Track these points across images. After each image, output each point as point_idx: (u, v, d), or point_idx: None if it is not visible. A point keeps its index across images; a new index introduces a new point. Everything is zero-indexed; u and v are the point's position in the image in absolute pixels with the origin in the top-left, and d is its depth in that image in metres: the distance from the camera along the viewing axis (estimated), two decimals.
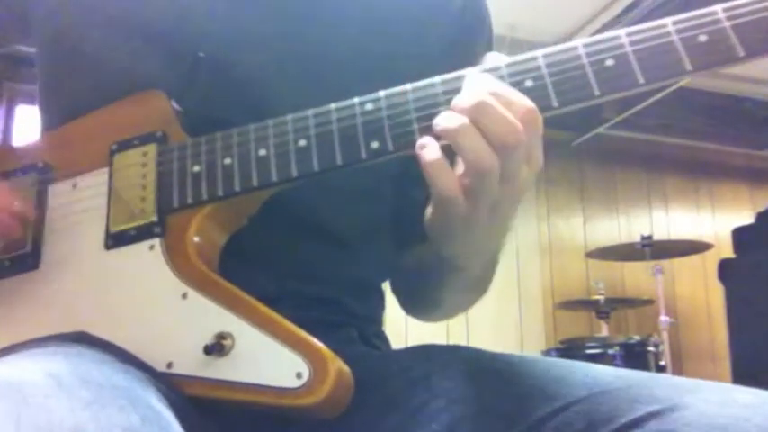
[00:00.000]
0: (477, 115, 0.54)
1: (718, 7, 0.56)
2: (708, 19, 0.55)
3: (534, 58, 0.58)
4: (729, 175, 4.79)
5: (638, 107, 3.93)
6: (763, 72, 3.93)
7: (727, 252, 3.50)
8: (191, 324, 0.57)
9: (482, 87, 0.56)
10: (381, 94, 0.60)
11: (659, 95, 3.74)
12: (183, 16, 0.71)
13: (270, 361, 0.53)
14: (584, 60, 0.57)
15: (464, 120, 0.55)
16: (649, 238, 3.50)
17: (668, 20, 0.56)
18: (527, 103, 0.55)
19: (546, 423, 0.54)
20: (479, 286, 0.73)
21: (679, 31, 0.56)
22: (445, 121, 0.55)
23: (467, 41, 0.63)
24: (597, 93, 0.56)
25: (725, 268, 3.36)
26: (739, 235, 3.46)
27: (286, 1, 0.73)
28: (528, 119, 0.55)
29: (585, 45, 0.57)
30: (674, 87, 3.68)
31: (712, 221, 4.65)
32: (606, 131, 4.27)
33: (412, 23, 0.75)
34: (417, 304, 0.80)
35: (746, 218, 3.99)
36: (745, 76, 4.03)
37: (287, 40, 0.71)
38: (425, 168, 0.55)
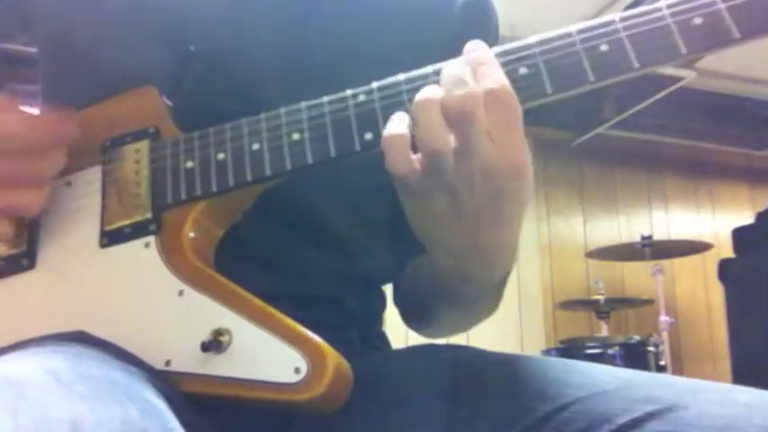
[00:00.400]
0: (449, 85, 0.53)
1: None
2: (703, 1, 0.55)
3: (528, 45, 0.58)
4: (729, 175, 4.80)
5: (638, 107, 3.93)
6: (763, 72, 3.93)
7: (727, 252, 3.50)
8: (188, 321, 0.56)
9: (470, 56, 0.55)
10: (374, 85, 0.59)
11: (659, 95, 3.75)
12: (179, 11, 0.70)
13: (268, 356, 0.53)
14: (579, 46, 0.56)
15: (433, 94, 0.53)
16: (649, 238, 3.50)
17: (663, 3, 0.56)
18: (499, 78, 0.53)
19: (545, 423, 0.53)
20: (477, 305, 0.71)
21: (674, 15, 0.55)
22: (419, 93, 0.54)
23: (469, 39, 0.62)
24: (592, 78, 0.56)
25: (725, 268, 3.36)
26: (739, 235, 3.46)
27: None
28: (496, 91, 0.52)
29: (580, 31, 0.57)
30: (674, 87, 3.69)
31: (712, 221, 4.66)
32: (606, 131, 4.27)
33: (411, 21, 0.75)
34: (414, 318, 0.79)
35: (746, 218, 4.00)
36: (745, 76, 4.03)
37: (282, 35, 0.70)
38: (382, 141, 0.54)
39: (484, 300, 0.69)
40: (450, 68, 0.54)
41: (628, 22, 0.56)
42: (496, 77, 0.53)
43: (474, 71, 0.54)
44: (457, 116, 0.51)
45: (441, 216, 0.56)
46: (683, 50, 0.54)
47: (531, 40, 0.58)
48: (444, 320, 0.76)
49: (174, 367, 0.55)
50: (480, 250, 0.59)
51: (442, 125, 0.52)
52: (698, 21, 0.55)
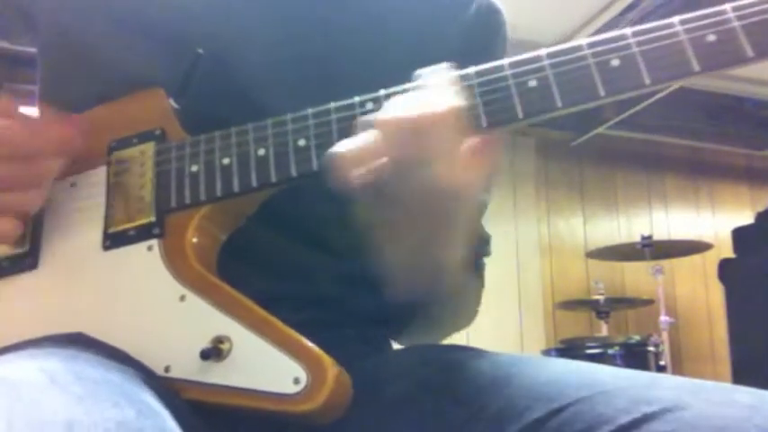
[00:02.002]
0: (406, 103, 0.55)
1: (727, 6, 0.54)
2: (717, 18, 0.54)
3: (539, 58, 0.57)
4: (729, 175, 4.80)
5: (639, 107, 3.93)
6: (763, 72, 3.93)
7: (727, 252, 3.50)
8: (189, 327, 0.56)
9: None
10: (382, 92, 0.59)
11: (659, 95, 3.75)
12: (185, 13, 0.70)
13: (267, 366, 0.53)
14: (590, 60, 0.56)
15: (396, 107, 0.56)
16: (649, 238, 3.50)
17: (676, 19, 0.55)
18: (452, 103, 0.55)
19: (545, 423, 0.53)
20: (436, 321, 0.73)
21: (687, 31, 0.54)
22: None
23: (477, 53, 0.62)
24: (602, 93, 0.55)
25: (725, 268, 3.36)
26: (739, 235, 3.47)
27: (289, 3, 0.72)
28: (447, 115, 0.54)
29: (591, 44, 0.56)
30: (674, 87, 3.68)
31: (712, 221, 4.66)
32: (606, 131, 4.27)
33: (417, 36, 0.75)
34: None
35: (746, 218, 4.00)
36: (745, 76, 4.03)
37: (288, 42, 0.71)
38: (331, 159, 0.56)
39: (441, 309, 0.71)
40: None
41: (640, 38, 0.55)
42: (451, 102, 0.55)
43: (430, 96, 0.55)
44: (419, 128, 0.53)
45: (391, 227, 0.58)
46: (696, 68, 0.54)
47: (542, 52, 0.57)
48: (411, 330, 0.78)
49: (174, 374, 0.55)
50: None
51: (402, 136, 0.54)
52: (711, 38, 0.54)
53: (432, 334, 0.79)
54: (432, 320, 0.73)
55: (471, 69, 0.59)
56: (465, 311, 0.78)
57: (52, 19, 0.76)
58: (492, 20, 0.80)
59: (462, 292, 0.71)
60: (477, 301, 0.80)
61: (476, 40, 0.77)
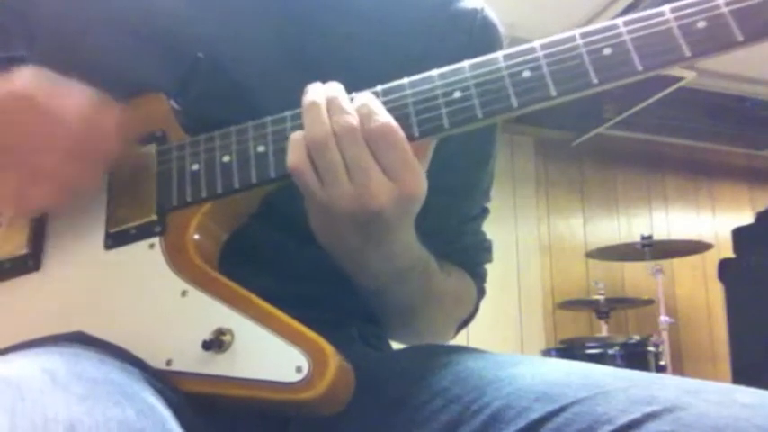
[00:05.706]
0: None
1: None
2: (706, 5, 0.55)
3: (532, 49, 0.58)
4: (729, 175, 4.80)
5: (639, 107, 3.93)
6: (763, 72, 3.93)
7: (727, 252, 3.51)
8: (190, 320, 0.57)
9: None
10: (378, 89, 0.60)
11: (659, 95, 3.75)
12: (183, 18, 0.71)
13: (269, 355, 0.53)
14: (582, 49, 0.57)
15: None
16: (649, 238, 3.51)
17: (666, 7, 0.56)
18: (383, 120, 0.57)
19: (545, 424, 0.53)
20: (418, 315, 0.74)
21: (677, 18, 0.56)
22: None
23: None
24: (595, 81, 0.56)
25: (725, 268, 3.37)
26: (739, 235, 3.47)
27: (286, 7, 0.73)
28: (376, 128, 0.57)
29: (583, 34, 0.57)
30: (674, 87, 3.69)
31: (712, 221, 4.66)
32: (606, 131, 4.27)
33: (412, 42, 0.75)
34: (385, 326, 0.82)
35: (746, 218, 4.01)
36: (746, 76, 4.02)
37: (285, 44, 0.71)
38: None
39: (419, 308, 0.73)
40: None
41: (631, 26, 0.56)
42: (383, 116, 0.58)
43: (359, 114, 0.58)
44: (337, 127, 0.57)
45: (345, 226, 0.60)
46: (687, 54, 0.55)
47: (535, 43, 0.58)
48: (399, 333, 0.80)
49: (175, 367, 0.55)
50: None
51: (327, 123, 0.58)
52: (701, 24, 0.55)
53: (419, 332, 0.80)
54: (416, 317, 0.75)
55: (465, 63, 0.59)
56: (452, 313, 0.79)
57: (52, 26, 0.76)
58: (490, 36, 0.80)
59: (441, 292, 0.73)
60: (466, 305, 0.82)
61: (472, 53, 0.77)
